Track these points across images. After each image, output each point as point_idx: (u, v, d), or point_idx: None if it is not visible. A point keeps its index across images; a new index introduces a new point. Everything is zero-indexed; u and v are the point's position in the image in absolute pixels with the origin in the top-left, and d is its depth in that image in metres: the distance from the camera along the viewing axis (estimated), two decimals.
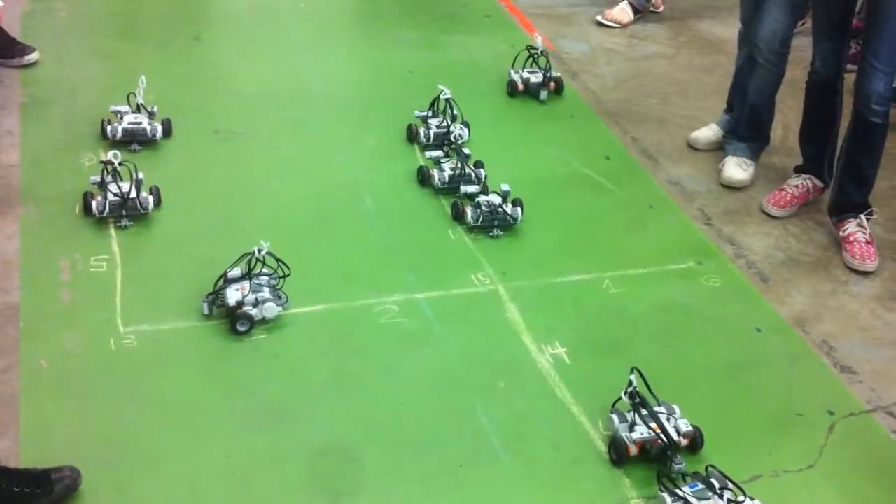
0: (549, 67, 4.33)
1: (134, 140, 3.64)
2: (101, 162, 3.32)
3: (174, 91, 4.05)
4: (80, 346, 2.76)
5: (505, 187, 3.43)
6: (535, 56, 4.35)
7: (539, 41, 4.36)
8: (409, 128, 3.90)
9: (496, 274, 3.21)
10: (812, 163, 3.72)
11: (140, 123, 3.64)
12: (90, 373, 2.68)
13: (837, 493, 2.52)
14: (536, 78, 4.29)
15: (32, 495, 2.24)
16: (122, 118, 3.66)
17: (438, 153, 3.71)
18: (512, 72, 4.33)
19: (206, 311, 2.89)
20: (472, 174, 3.57)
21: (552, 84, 4.31)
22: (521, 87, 4.30)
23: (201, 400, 2.63)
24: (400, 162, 3.76)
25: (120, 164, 3.26)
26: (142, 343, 2.79)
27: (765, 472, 2.55)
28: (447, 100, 3.88)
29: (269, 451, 2.49)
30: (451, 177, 3.56)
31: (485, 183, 3.53)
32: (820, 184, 3.72)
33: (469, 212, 3.39)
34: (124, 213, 3.22)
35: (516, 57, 4.35)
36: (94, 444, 2.46)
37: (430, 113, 3.92)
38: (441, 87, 3.88)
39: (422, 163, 3.72)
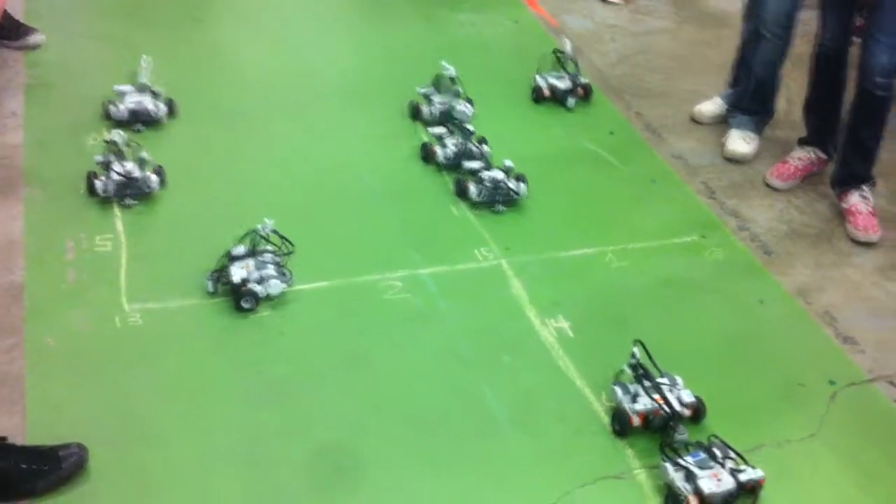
0: (579, 72, 4.13)
1: (138, 120, 3.64)
2: (105, 142, 3.33)
3: (177, 72, 4.04)
4: (86, 324, 2.78)
5: (508, 163, 3.44)
6: (563, 60, 4.15)
7: (568, 45, 4.15)
8: (412, 105, 3.90)
9: (500, 249, 3.22)
10: (816, 135, 3.72)
11: (144, 104, 3.65)
12: (96, 351, 2.70)
13: (839, 461, 2.54)
14: (564, 84, 4.07)
15: (40, 472, 2.26)
16: (125, 98, 3.67)
17: (441, 130, 3.71)
18: (537, 77, 4.12)
19: (210, 289, 2.91)
20: (476, 150, 3.58)
21: (580, 90, 4.09)
22: (547, 93, 4.07)
23: (207, 377, 2.65)
24: (403, 139, 3.76)
25: (125, 144, 3.27)
26: (147, 321, 2.81)
27: (767, 441, 2.57)
28: (450, 76, 3.88)
29: (276, 428, 2.51)
30: (455, 153, 3.56)
31: (488, 159, 3.54)
32: (823, 156, 3.71)
33: (472, 188, 3.39)
34: (128, 192, 3.24)
35: (541, 61, 4.16)
36: (101, 421, 2.48)
37: (434, 90, 3.92)
38: (444, 63, 3.87)
39: (425, 140, 3.72)
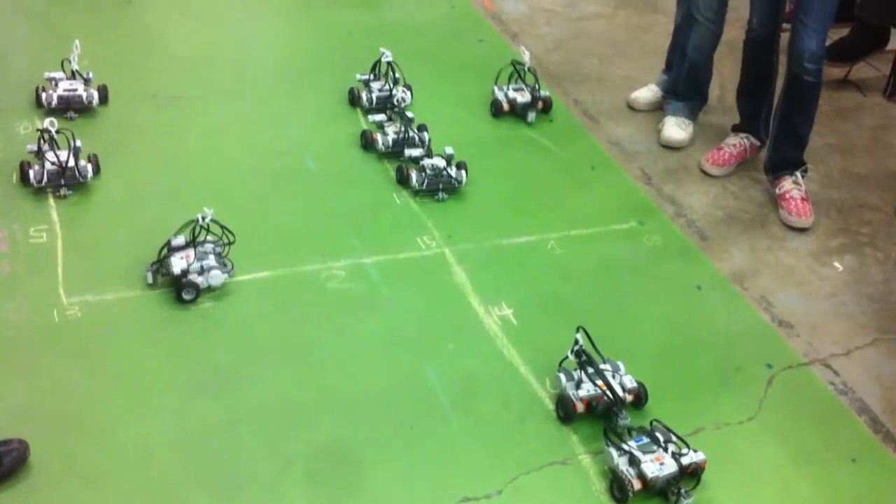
0: (539, 85, 3.93)
1: (70, 107, 3.57)
2: (38, 130, 3.25)
3: (109, 56, 3.96)
4: (22, 317, 2.72)
5: (449, 150, 3.44)
6: (522, 72, 3.96)
7: (526, 56, 3.93)
8: (351, 91, 3.87)
9: (442, 237, 3.23)
10: (749, 121, 3.79)
11: (76, 90, 3.57)
12: (34, 344, 2.64)
13: (777, 443, 2.60)
14: (523, 97, 3.87)
15: None
16: (56, 85, 3.58)
17: (381, 117, 3.69)
18: (496, 89, 3.94)
19: (150, 280, 2.87)
20: (416, 137, 3.57)
21: (541, 104, 3.90)
22: (506, 107, 3.88)
23: (149, 369, 2.61)
24: (343, 126, 3.74)
25: (57, 132, 3.19)
26: (86, 313, 2.75)
27: (707, 424, 2.62)
28: (389, 63, 3.86)
29: (220, 418, 2.49)
30: (395, 140, 3.55)
31: (429, 146, 3.54)
32: (757, 142, 3.79)
33: (414, 175, 3.39)
34: (63, 182, 3.17)
35: (499, 73, 3.97)
36: (42, 415, 2.43)
37: (372, 76, 3.90)
38: (383, 49, 3.85)
39: (365, 127, 3.70)
